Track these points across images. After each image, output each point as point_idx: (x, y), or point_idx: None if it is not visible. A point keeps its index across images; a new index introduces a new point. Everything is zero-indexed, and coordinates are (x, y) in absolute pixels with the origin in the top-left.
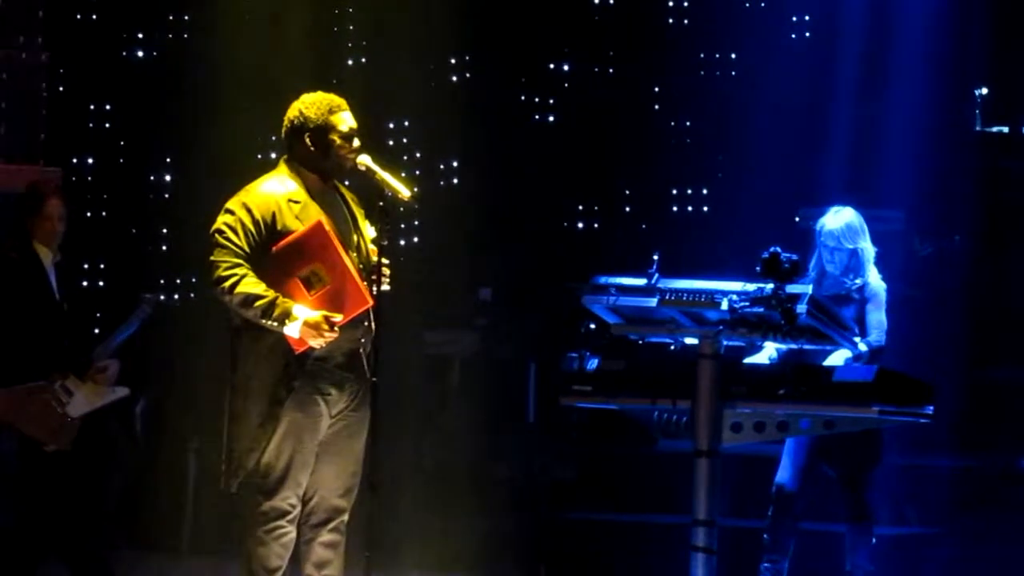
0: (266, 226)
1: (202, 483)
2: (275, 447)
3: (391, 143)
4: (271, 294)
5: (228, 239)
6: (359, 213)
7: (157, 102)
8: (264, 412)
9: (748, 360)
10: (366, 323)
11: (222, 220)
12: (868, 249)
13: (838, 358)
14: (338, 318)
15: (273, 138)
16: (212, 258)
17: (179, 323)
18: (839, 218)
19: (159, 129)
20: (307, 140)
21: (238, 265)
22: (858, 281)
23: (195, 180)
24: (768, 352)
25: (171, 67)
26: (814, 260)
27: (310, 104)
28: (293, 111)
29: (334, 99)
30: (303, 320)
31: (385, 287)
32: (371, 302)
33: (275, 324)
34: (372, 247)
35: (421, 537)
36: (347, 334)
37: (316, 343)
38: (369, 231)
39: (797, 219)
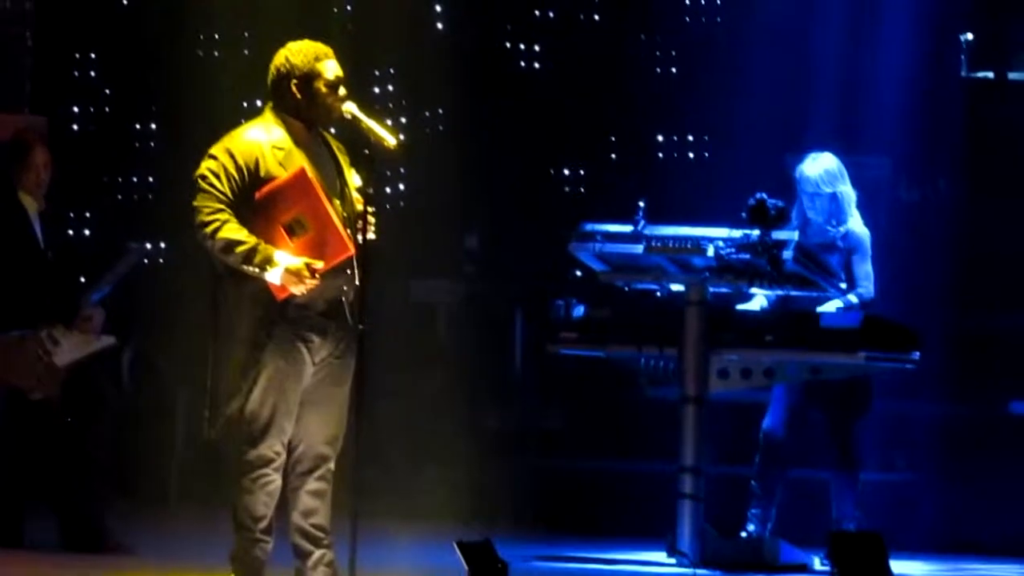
0: (249, 172)
1: (190, 432)
2: (259, 395)
3: (376, 91)
4: (253, 240)
5: (211, 184)
6: (345, 162)
7: (143, 51)
8: (245, 358)
9: (740, 307)
10: (349, 271)
11: (205, 165)
12: (848, 193)
13: (829, 308)
14: (319, 265)
15: (259, 86)
16: (195, 203)
17: (166, 272)
18: (817, 164)
19: (145, 78)
20: (293, 88)
21: (220, 211)
22: (841, 228)
23: (181, 129)
24: (759, 300)
25: (157, 16)
26: (795, 209)
27: (296, 52)
28: (279, 59)
29: (320, 47)
30: (284, 267)
31: (371, 236)
32: (352, 250)
33: (256, 270)
34: (358, 196)
35: (407, 485)
36: (329, 282)
37: (297, 290)
38: (355, 180)
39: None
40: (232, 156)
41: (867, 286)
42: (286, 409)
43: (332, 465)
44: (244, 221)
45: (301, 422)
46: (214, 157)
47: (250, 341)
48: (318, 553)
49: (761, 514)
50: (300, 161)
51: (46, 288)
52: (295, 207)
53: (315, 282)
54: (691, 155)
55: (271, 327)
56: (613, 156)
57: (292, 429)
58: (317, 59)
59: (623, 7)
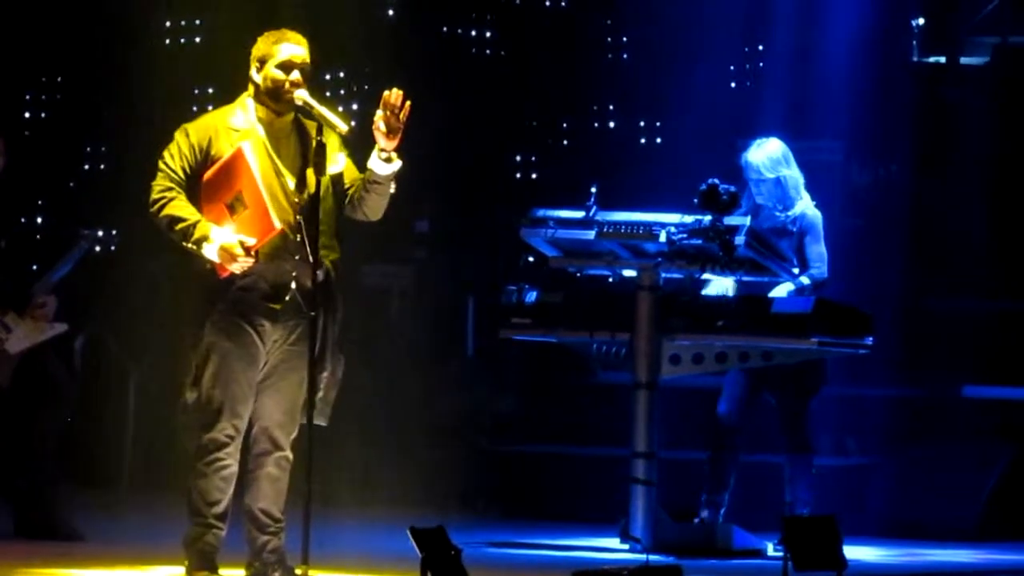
0: (202, 151)
1: (142, 418)
2: (209, 379)
3: (327, 77)
4: (194, 218)
5: (166, 164)
6: (323, 150)
7: (96, 39)
8: (194, 337)
9: (705, 292)
10: (297, 257)
11: (167, 146)
12: (793, 176)
13: (782, 291)
14: (252, 242)
15: (212, 74)
16: (153, 182)
17: (118, 259)
18: (761, 151)
19: (98, 66)
20: (253, 70)
21: (170, 189)
22: (789, 213)
23: (134, 117)
24: (722, 285)
25: (111, 3)
26: (745, 195)
27: (263, 36)
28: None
29: (287, 33)
30: (219, 244)
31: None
32: (278, 228)
33: (194, 247)
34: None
35: (361, 472)
36: (272, 265)
37: (234, 267)
38: (333, 168)
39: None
40: (187, 135)
41: (820, 267)
42: (239, 392)
43: (288, 453)
44: (195, 200)
45: (258, 406)
46: (174, 138)
47: (197, 321)
48: (262, 539)
49: (714, 499)
50: (255, 142)
51: None
52: (235, 185)
53: (249, 260)
54: (643, 140)
55: (214, 307)
56: (565, 142)
57: (247, 413)
58: (276, 42)
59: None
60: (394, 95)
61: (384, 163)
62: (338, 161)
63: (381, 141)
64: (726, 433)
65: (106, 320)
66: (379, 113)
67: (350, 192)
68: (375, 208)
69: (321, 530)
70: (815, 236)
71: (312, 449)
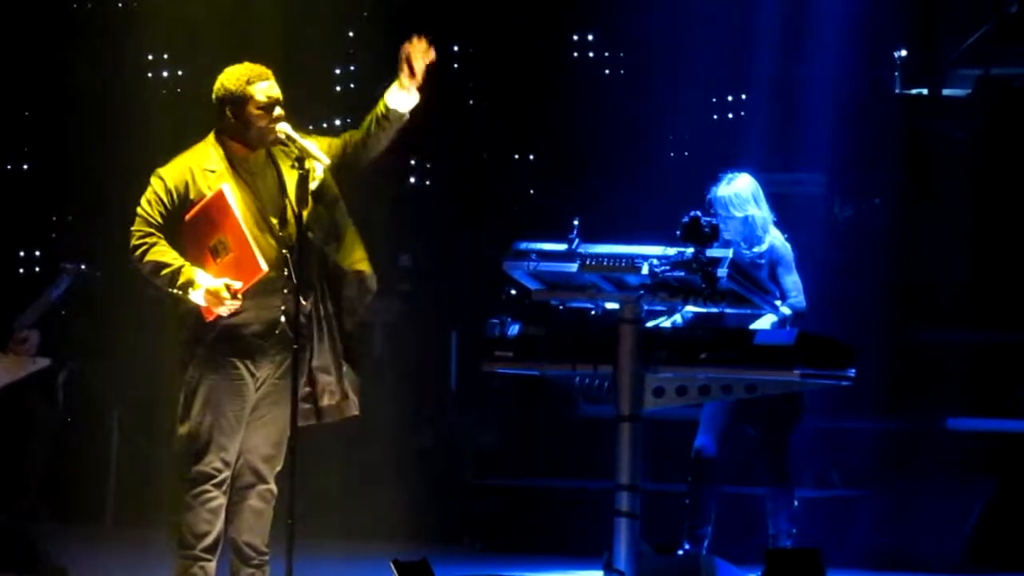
0: (179, 195)
1: (125, 454)
2: (198, 412)
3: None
4: (178, 263)
5: (144, 210)
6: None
7: (77, 73)
8: (183, 376)
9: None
10: (286, 291)
11: (145, 192)
12: (761, 215)
13: (764, 324)
14: (238, 286)
15: (191, 112)
16: (132, 228)
17: (101, 293)
18: (730, 187)
19: (81, 103)
20: (228, 112)
21: (150, 234)
22: (755, 249)
23: (116, 153)
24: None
25: (89, 39)
26: None
27: (230, 76)
28: (216, 83)
29: (255, 69)
30: (205, 288)
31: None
32: (264, 271)
33: (180, 292)
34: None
35: (344, 505)
36: (262, 302)
37: (221, 311)
38: (315, 184)
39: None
40: (163, 180)
41: (797, 297)
42: (226, 426)
43: (273, 486)
44: (177, 244)
45: (245, 440)
46: (150, 183)
47: (184, 359)
48: (246, 572)
49: (697, 532)
50: (228, 183)
51: None
52: (217, 229)
53: (236, 303)
54: (625, 173)
55: (199, 346)
56: (547, 174)
57: (235, 447)
58: (249, 82)
59: (557, 25)
60: (417, 43)
61: (405, 97)
62: (316, 171)
63: (405, 79)
64: (705, 465)
65: (89, 355)
66: (407, 48)
67: (347, 151)
68: (383, 142)
69: (305, 563)
70: (787, 266)
71: (295, 482)
